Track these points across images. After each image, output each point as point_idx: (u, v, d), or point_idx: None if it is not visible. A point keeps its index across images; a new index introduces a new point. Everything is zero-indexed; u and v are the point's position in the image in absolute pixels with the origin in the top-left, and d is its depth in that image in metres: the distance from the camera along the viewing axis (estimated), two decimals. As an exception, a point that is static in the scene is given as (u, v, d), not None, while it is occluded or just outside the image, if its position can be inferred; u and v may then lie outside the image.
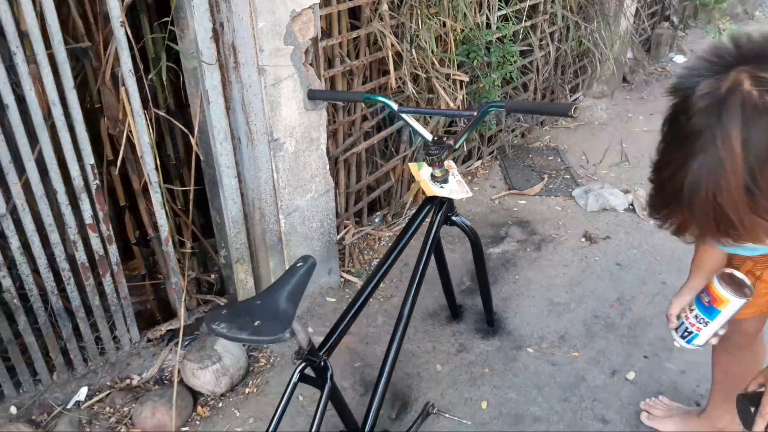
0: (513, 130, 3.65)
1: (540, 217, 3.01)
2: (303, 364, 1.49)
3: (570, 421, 1.92)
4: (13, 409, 1.88)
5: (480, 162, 3.44)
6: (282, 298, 1.36)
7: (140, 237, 2.28)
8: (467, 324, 2.33)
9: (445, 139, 1.80)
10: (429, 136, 1.81)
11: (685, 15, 5.74)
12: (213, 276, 2.50)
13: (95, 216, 1.79)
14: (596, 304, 2.42)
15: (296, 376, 1.51)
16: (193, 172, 2.06)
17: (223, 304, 2.27)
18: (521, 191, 3.20)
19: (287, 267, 2.23)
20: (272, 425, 1.48)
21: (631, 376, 2.08)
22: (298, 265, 1.44)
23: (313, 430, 1.46)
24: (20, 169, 1.62)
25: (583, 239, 2.84)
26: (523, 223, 2.96)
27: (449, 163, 1.84)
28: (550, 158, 3.57)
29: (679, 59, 5.44)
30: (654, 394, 2.00)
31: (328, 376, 1.49)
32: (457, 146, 1.81)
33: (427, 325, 2.33)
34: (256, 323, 1.28)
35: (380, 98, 1.84)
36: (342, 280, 2.55)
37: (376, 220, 2.94)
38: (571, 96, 4.17)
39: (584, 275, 2.60)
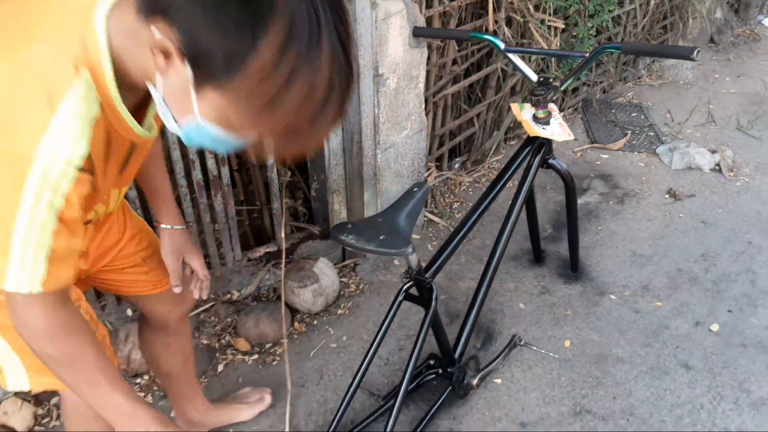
0: (600, 83, 3.60)
1: (623, 172, 2.99)
2: (410, 283, 1.58)
3: (653, 364, 1.97)
4: (129, 311, 2.05)
5: (562, 114, 3.42)
6: (401, 217, 1.44)
7: (240, 165, 2.40)
8: (550, 268, 2.38)
9: (551, 80, 1.82)
10: (534, 77, 1.83)
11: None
12: (300, 207, 2.61)
13: (214, 137, 1.89)
14: (680, 258, 2.43)
15: (402, 294, 1.61)
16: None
17: (316, 231, 2.37)
18: (604, 145, 3.18)
19: (378, 201, 2.32)
20: (378, 335, 1.59)
21: (714, 327, 2.11)
22: (415, 189, 1.51)
23: (418, 345, 1.56)
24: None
25: (666, 196, 2.82)
26: (606, 177, 2.96)
27: (551, 106, 1.86)
28: (633, 115, 3.51)
29: (769, 21, 5.18)
30: (738, 347, 2.03)
31: (434, 296, 1.58)
32: (563, 88, 1.83)
33: (510, 267, 2.39)
34: (381, 237, 1.36)
35: (487, 36, 1.86)
36: (425, 219, 2.63)
37: (456, 165, 2.99)
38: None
39: (668, 230, 2.60)
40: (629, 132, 3.31)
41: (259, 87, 0.68)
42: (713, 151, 3.08)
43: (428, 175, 2.76)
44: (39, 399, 1.84)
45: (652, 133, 3.33)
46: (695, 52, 1.52)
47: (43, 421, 1.79)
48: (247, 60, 0.66)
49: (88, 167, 0.79)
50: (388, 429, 1.50)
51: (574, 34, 2.90)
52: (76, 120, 0.75)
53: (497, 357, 1.92)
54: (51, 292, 0.83)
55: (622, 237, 2.55)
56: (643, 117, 3.49)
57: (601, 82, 3.61)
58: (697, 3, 3.82)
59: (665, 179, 2.95)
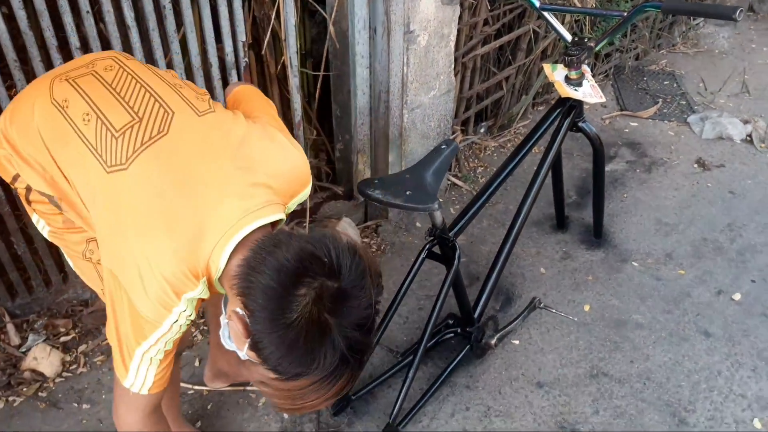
0: (633, 49, 3.52)
1: (651, 140, 2.95)
2: (434, 241, 1.59)
3: (672, 330, 1.97)
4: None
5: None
6: (428, 174, 1.45)
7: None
8: (572, 235, 2.38)
9: (586, 40, 1.78)
10: (569, 37, 1.80)
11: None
12: (323, 167, 2.62)
13: (241, 92, 1.90)
14: (706, 228, 2.40)
15: (425, 251, 1.63)
16: (323, 61, 2.13)
17: (340, 191, 2.39)
18: (634, 113, 3.13)
19: (403, 163, 2.32)
20: (401, 291, 1.61)
21: (737, 296, 2.10)
22: (443, 147, 1.52)
23: (439, 303, 1.58)
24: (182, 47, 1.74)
25: (695, 165, 2.78)
26: (634, 145, 2.91)
27: (584, 67, 1.83)
28: (666, 83, 3.44)
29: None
30: (759, 316, 2.02)
31: (456, 255, 1.59)
32: (597, 48, 1.80)
33: (532, 232, 2.39)
34: (407, 192, 1.37)
35: None
36: (449, 182, 2.62)
37: (482, 129, 2.97)
38: (693, 20, 3.94)
39: (695, 200, 2.56)
40: (660, 100, 3.25)
41: (288, 389, 0.92)
42: (746, 122, 3.01)
43: (453, 138, 2.75)
44: (67, 346, 1.91)
45: (684, 102, 3.26)
46: (738, 12, 1.48)
47: (71, 368, 1.86)
48: (291, 379, 0.89)
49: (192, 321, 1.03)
50: (407, 384, 1.53)
51: (611, -5, 2.83)
52: (191, 306, 0.99)
53: (516, 318, 1.94)
54: (153, 395, 1.07)
55: (647, 205, 2.53)
56: (675, 85, 3.41)
57: (634, 49, 3.52)
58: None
59: (695, 149, 2.89)
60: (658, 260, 2.25)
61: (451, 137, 2.74)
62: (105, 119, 1.01)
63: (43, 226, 1.22)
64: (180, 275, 0.95)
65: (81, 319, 2.02)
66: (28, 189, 1.15)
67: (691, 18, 3.90)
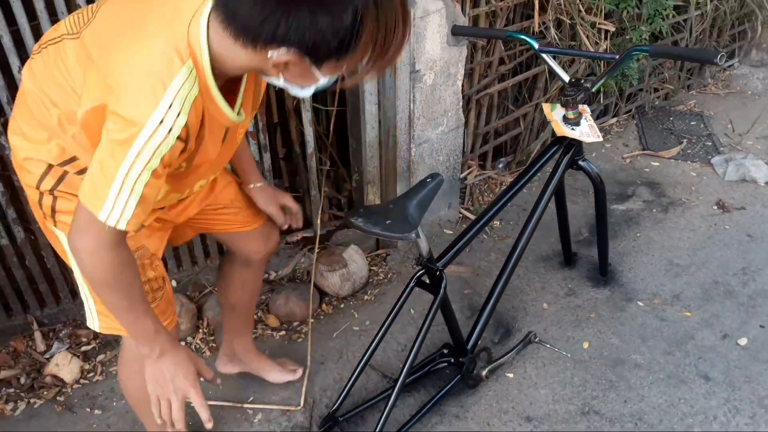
0: (656, 90, 3.52)
1: (672, 181, 2.93)
2: (421, 270, 1.66)
3: (671, 372, 1.95)
4: (174, 283, 2.24)
5: (615, 119, 3.37)
6: (411, 205, 1.52)
7: (286, 154, 2.55)
8: (579, 272, 2.39)
9: (582, 81, 1.84)
10: (566, 77, 1.86)
11: None
12: (343, 198, 2.73)
13: (255, 125, 2.04)
14: (718, 271, 2.37)
15: (414, 280, 1.69)
16: (337, 97, 2.25)
17: (351, 220, 2.49)
18: (656, 152, 3.12)
19: (413, 194, 2.40)
20: (390, 317, 1.67)
21: (743, 342, 2.06)
22: (428, 180, 1.59)
23: (423, 330, 1.64)
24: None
25: (715, 207, 2.74)
26: (653, 185, 2.91)
27: (583, 107, 1.88)
28: (692, 123, 3.41)
29: None
30: (764, 363, 1.98)
31: (443, 285, 1.65)
32: (593, 89, 1.84)
33: (539, 267, 2.41)
34: (387, 221, 1.45)
35: (522, 36, 1.90)
36: (460, 215, 2.68)
37: (500, 165, 3.02)
38: (727, 61, 3.90)
39: (710, 241, 2.53)
40: (685, 140, 3.23)
41: (362, 53, 0.95)
42: (772, 164, 2.96)
43: (469, 173, 2.82)
44: (87, 355, 2.05)
45: (710, 143, 3.23)
46: (719, 57, 1.52)
47: (88, 375, 2.00)
48: (352, 49, 0.93)
49: (183, 137, 1.01)
50: (388, 406, 1.59)
51: (627, 37, 2.86)
52: (180, 98, 0.97)
53: (509, 351, 1.97)
54: (124, 232, 1.03)
55: (660, 245, 2.51)
56: (702, 126, 3.39)
57: (657, 90, 3.52)
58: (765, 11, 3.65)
59: (716, 190, 2.86)
60: (665, 301, 2.24)
61: (467, 172, 2.81)
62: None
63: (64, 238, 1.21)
64: (160, 61, 0.96)
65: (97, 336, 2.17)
66: (55, 198, 1.18)
67: (725, 59, 3.86)
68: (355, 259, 2.24)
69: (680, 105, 3.60)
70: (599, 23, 2.67)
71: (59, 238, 1.23)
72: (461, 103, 2.35)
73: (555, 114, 1.89)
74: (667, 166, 3.06)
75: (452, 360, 1.88)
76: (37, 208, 1.22)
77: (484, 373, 1.86)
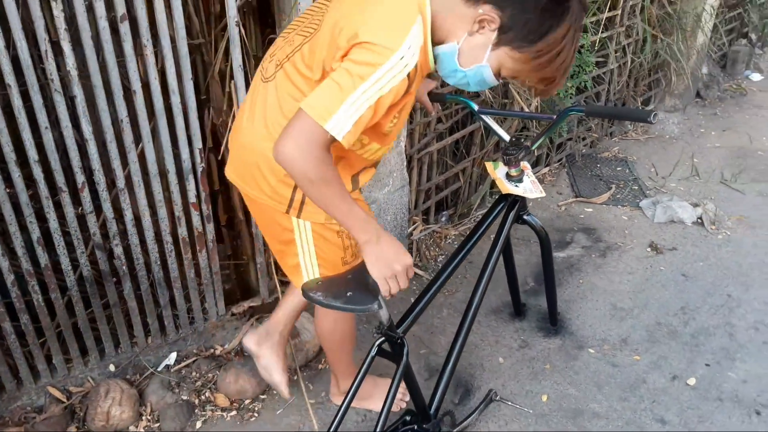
0: (583, 139, 3.70)
1: (606, 226, 3.05)
2: (382, 338, 1.62)
3: (629, 419, 1.98)
4: (112, 367, 2.09)
5: (548, 168, 3.51)
6: (369, 274, 1.49)
7: (227, 221, 2.47)
8: (530, 322, 2.41)
9: (522, 140, 1.90)
10: (507, 137, 1.91)
11: (765, 32, 5.61)
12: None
13: (198, 196, 1.98)
14: (660, 312, 2.46)
15: (375, 349, 1.65)
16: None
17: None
18: (588, 199, 3.25)
19: (361, 256, 2.37)
20: (350, 393, 1.62)
21: (692, 381, 2.12)
22: None
23: (389, 400, 1.59)
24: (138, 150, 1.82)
25: (648, 249, 2.87)
26: (589, 230, 3.01)
27: (524, 164, 1.93)
28: (618, 169, 3.60)
29: (756, 77, 5.33)
30: (714, 401, 2.04)
31: (405, 352, 1.62)
32: (534, 148, 1.91)
33: (491, 320, 2.42)
34: (348, 294, 1.41)
35: (462, 99, 1.96)
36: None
37: (443, 219, 3.06)
38: (642, 107, 4.16)
39: (648, 283, 2.63)
40: (614, 186, 3.39)
41: (543, 53, 1.22)
42: (695, 205, 3.14)
43: (414, 229, 2.83)
44: None
45: (636, 187, 3.40)
46: (652, 116, 1.60)
47: None
48: (544, 37, 1.20)
49: (411, 76, 1.21)
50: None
51: (556, 92, 3.00)
52: (415, 43, 1.19)
53: (472, 413, 1.94)
54: (332, 141, 1.19)
55: (603, 290, 2.59)
56: (627, 171, 3.57)
57: (584, 139, 3.70)
58: (682, 59, 3.95)
59: (648, 232, 3.00)
60: (614, 346, 2.29)
61: (412, 228, 2.82)
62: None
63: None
64: (405, 8, 1.19)
65: (34, 426, 1.98)
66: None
67: (641, 105, 4.13)
68: (307, 327, 2.17)
69: (605, 152, 3.79)
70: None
71: (297, 229, 1.49)
72: (405, 163, 2.37)
73: (498, 172, 1.94)
74: (600, 212, 3.18)
75: (416, 427, 1.82)
76: (282, 205, 1.45)
77: (449, 438, 1.82)
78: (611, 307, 2.49)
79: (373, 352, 1.65)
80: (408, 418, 1.84)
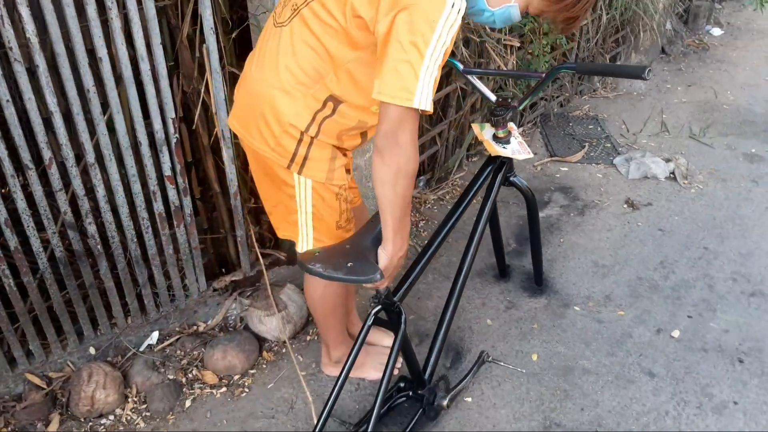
0: (556, 98, 3.69)
1: (582, 184, 3.06)
2: (379, 307, 1.59)
3: (618, 373, 2.01)
4: (92, 350, 2.01)
5: (521, 129, 3.49)
6: (368, 242, 1.45)
7: (202, 193, 2.38)
8: (514, 283, 2.42)
9: (510, 100, 1.86)
10: (493, 98, 1.87)
11: (725, -15, 5.66)
12: (268, 232, 2.60)
13: (173, 168, 1.88)
14: (640, 267, 2.49)
15: (371, 318, 1.61)
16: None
17: (282, 257, 2.36)
18: (563, 158, 3.26)
19: (344, 224, 2.32)
20: (348, 363, 1.58)
21: (675, 334, 2.16)
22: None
23: (388, 370, 1.56)
24: (109, 126, 1.71)
25: (625, 205, 2.90)
26: (566, 190, 3.02)
27: (511, 125, 1.90)
28: (590, 127, 3.61)
29: (716, 32, 5.40)
30: (699, 352, 2.09)
31: (402, 319, 1.59)
32: (521, 107, 1.87)
33: (476, 283, 2.42)
34: (349, 264, 1.37)
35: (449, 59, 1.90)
36: (391, 239, 2.63)
37: (421, 183, 3.02)
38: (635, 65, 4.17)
39: (627, 239, 2.66)
40: (587, 144, 3.40)
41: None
42: (668, 160, 3.18)
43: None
44: None
45: (609, 145, 3.42)
46: (646, 72, 1.57)
47: None
48: None
49: (464, 15, 1.23)
50: (360, 456, 1.49)
51: (530, 51, 2.97)
52: (456, 10, 1.19)
53: (466, 376, 1.93)
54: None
55: (583, 248, 2.61)
56: (599, 129, 3.59)
57: (557, 97, 3.69)
58: (647, 16, 3.95)
59: (623, 189, 3.03)
60: (598, 303, 2.31)
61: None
62: None
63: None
64: None
65: (14, 415, 1.90)
66: (310, 145, 1.41)
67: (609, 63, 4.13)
68: (294, 299, 2.13)
69: (576, 110, 3.79)
70: (505, 39, 2.74)
71: (298, 186, 1.46)
72: (384, 127, 2.31)
73: (485, 134, 1.90)
74: (575, 170, 3.19)
75: (411, 393, 1.81)
76: (285, 159, 1.41)
77: (445, 402, 1.82)
78: (593, 265, 2.51)
79: (370, 321, 1.62)
80: (402, 384, 1.83)
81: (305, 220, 1.53)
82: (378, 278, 1.34)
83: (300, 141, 1.40)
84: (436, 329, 1.82)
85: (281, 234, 1.66)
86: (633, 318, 2.24)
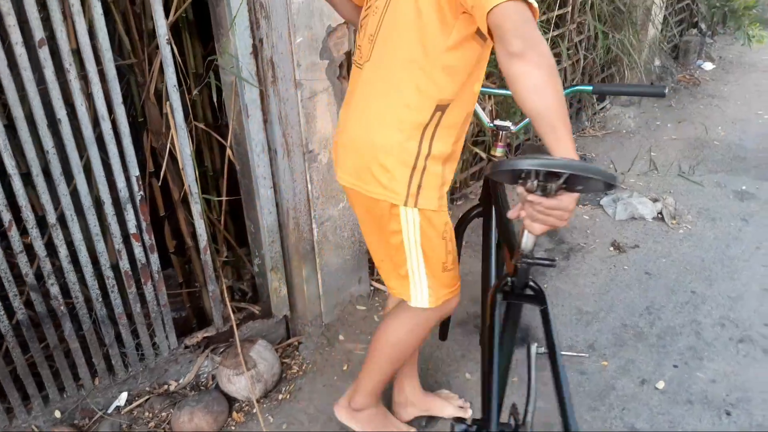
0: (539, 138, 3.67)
1: (568, 226, 3.02)
2: (506, 281, 1.43)
3: (600, 429, 1.93)
4: (57, 413, 1.95)
5: (507, 171, 3.46)
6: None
7: (177, 246, 2.36)
8: (496, 332, 2.35)
9: (507, 123, 1.81)
10: (488, 120, 1.85)
11: (714, 22, 5.70)
12: (246, 284, 2.56)
13: (139, 226, 1.86)
14: (625, 313, 2.43)
15: (501, 295, 1.45)
16: (225, 182, 2.12)
17: (257, 311, 2.32)
18: (549, 200, 3.21)
19: (319, 275, 2.29)
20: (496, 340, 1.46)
21: (660, 385, 2.09)
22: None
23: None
24: (69, 181, 1.70)
25: (611, 248, 2.84)
26: (551, 232, 2.98)
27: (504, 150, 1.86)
28: (578, 167, 3.57)
29: (708, 66, 5.40)
30: (684, 404, 2.01)
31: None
32: (516, 130, 1.82)
33: (456, 334, 2.36)
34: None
35: None
36: (372, 288, 2.59)
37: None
38: (598, 104, 4.17)
39: (613, 284, 2.61)
40: (574, 185, 3.36)
41: None
42: (655, 200, 3.14)
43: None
44: None
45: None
46: (666, 89, 1.56)
47: None
48: None
49: None
50: None
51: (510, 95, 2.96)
52: None
53: (441, 435, 1.86)
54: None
55: (567, 294, 2.55)
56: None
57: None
58: (629, 57, 3.96)
59: (610, 231, 2.98)
60: (581, 352, 2.24)
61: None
62: None
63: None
64: None
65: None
66: (424, 170, 1.37)
67: (596, 102, 4.13)
68: (265, 356, 2.07)
69: (564, 150, 3.77)
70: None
71: (406, 226, 1.42)
72: (358, 177, 2.29)
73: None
74: (562, 212, 3.15)
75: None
76: (400, 195, 1.37)
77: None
78: (577, 311, 2.45)
79: (499, 298, 1.43)
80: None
81: (416, 267, 1.49)
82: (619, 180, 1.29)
83: (414, 168, 1.36)
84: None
85: (393, 292, 1.61)
86: (617, 368, 2.17)
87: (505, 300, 1.45)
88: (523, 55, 1.08)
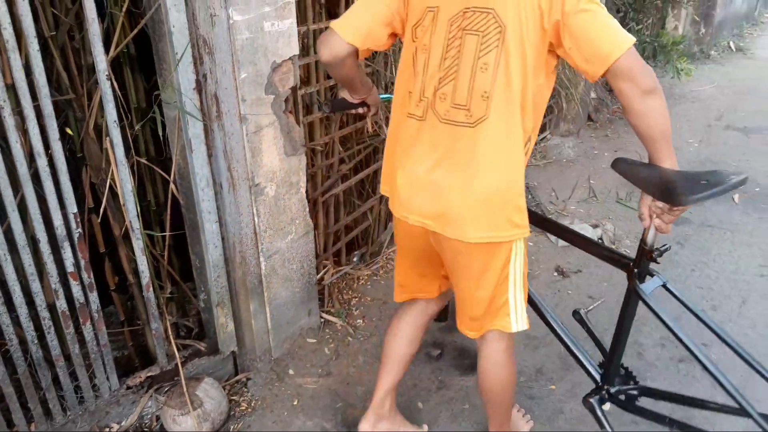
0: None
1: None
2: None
3: (550, 454, 1.96)
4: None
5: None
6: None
7: (118, 283, 2.29)
8: (446, 360, 2.37)
9: None
10: None
11: (645, 56, 6.02)
12: (191, 320, 2.51)
13: (77, 264, 1.80)
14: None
15: (635, 290, 1.76)
16: (169, 217, 2.09)
17: (202, 347, 2.26)
18: (495, 228, 3.29)
19: (267, 309, 2.26)
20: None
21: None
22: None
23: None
24: (2, 219, 1.64)
25: (555, 273, 2.92)
26: (498, 260, 3.04)
27: None
28: (522, 195, 3.68)
29: (640, 97, 5.67)
30: (629, 424, 2.06)
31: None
32: None
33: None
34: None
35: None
36: (322, 320, 2.57)
37: (355, 259, 2.99)
38: (539, 135, 4.32)
39: (558, 309, 2.67)
40: (518, 212, 3.45)
41: None
42: (595, 226, 3.25)
43: (324, 273, 2.74)
44: None
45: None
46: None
47: None
48: None
49: None
50: None
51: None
52: None
53: (393, 468, 1.85)
54: None
55: (515, 320, 2.59)
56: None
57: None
58: (570, 87, 4.14)
59: (553, 257, 3.06)
60: (530, 377, 2.28)
61: (323, 272, 2.73)
62: None
63: None
64: None
65: None
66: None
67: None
68: (212, 395, 2.02)
69: (508, 179, 3.88)
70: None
71: (514, 257, 1.51)
72: (308, 209, 2.29)
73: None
74: (508, 239, 3.22)
75: None
76: (521, 230, 1.48)
77: None
78: (525, 336, 2.49)
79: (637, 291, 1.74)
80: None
81: (516, 293, 1.57)
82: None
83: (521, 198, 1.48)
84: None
85: (479, 330, 1.67)
86: (564, 392, 2.21)
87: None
88: (654, 91, 1.32)
